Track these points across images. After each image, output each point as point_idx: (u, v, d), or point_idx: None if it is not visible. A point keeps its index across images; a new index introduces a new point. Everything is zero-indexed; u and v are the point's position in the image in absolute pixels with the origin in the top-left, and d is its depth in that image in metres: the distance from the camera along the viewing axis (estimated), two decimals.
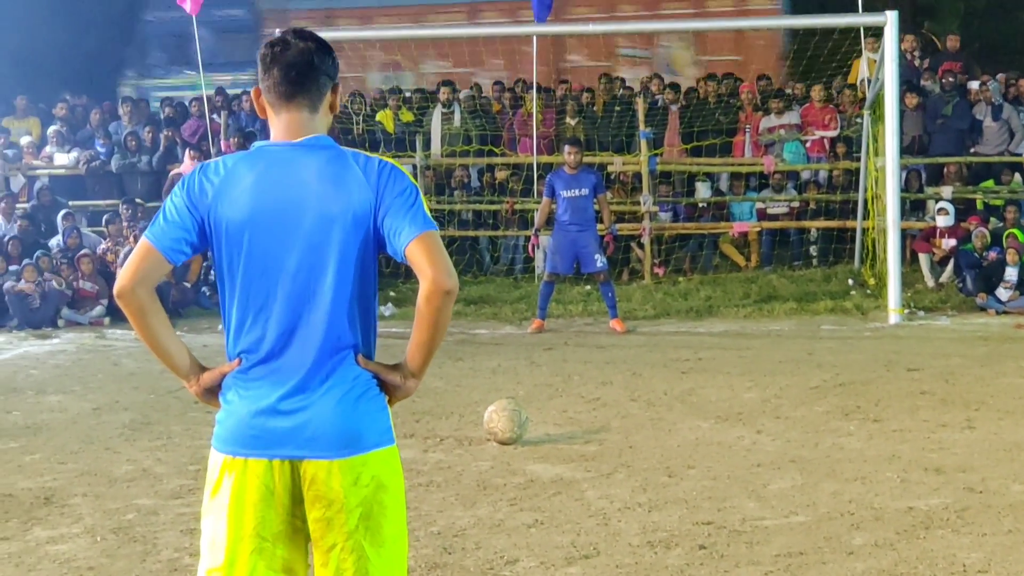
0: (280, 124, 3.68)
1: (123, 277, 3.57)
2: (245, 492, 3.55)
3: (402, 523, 3.67)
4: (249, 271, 3.58)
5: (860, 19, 16.37)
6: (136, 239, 16.15)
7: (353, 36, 16.84)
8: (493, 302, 16.19)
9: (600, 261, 14.04)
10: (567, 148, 14.39)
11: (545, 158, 18.63)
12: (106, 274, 16.25)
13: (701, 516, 6.74)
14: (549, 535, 6.47)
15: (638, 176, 18.06)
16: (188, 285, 16.58)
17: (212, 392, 3.69)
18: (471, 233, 18.83)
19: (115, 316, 16.07)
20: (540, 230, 14.84)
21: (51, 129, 20.13)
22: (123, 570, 6.02)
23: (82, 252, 16.52)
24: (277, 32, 3.89)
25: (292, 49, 3.63)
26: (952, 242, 16.21)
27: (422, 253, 3.52)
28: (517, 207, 18.40)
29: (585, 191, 14.05)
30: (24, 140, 19.91)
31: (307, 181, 3.59)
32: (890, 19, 14.40)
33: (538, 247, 15.50)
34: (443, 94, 19.47)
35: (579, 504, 7.05)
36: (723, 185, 19.20)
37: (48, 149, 19.93)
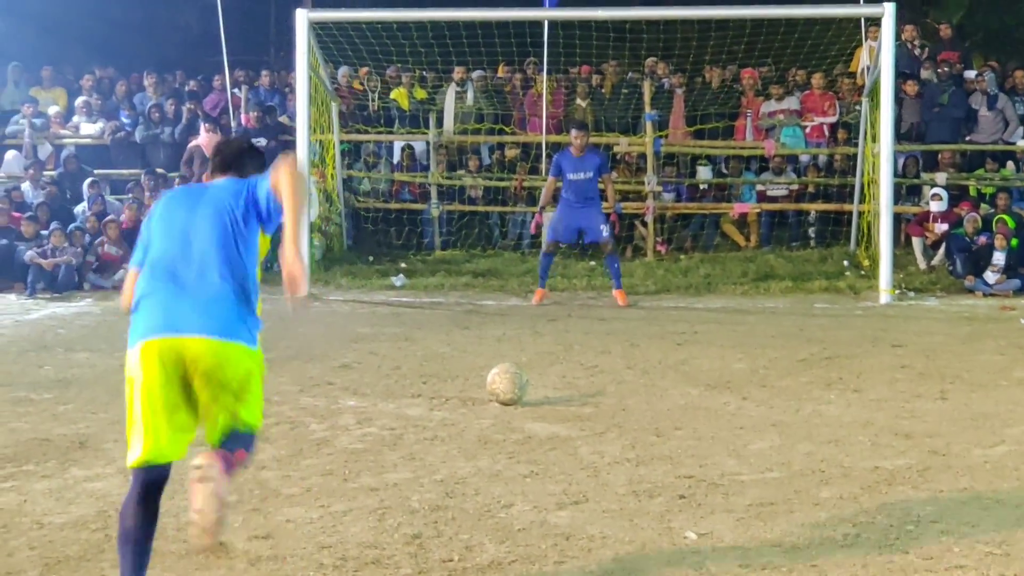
0: None
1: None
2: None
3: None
4: None
5: (859, 10, 16.83)
6: None
7: (363, 17, 17.30)
8: (500, 275, 16.75)
9: (605, 230, 14.61)
10: (573, 132, 14.96)
11: (554, 137, 19.16)
12: (131, 239, 16.82)
13: (684, 471, 7.28)
14: (543, 484, 7.03)
15: (643, 157, 18.60)
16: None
17: None
18: (481, 208, 19.38)
19: None
20: (545, 208, 15.39)
21: (79, 100, 20.71)
22: None
23: (109, 218, 17.14)
24: None
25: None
26: (944, 226, 16.74)
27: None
28: (526, 184, 18.95)
29: (590, 174, 14.64)
30: (52, 110, 20.51)
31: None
32: (888, 10, 14.90)
33: (542, 225, 16.05)
34: (457, 73, 19.99)
35: (572, 458, 7.61)
36: (724, 167, 19.73)
37: (75, 119, 20.53)
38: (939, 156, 18.58)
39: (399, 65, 20.08)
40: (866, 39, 19.00)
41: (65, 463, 7.47)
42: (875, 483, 7.00)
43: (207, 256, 4.97)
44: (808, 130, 19.19)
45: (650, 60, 20.17)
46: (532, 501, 6.70)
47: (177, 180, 18.48)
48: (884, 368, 10.56)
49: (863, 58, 19.29)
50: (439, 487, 6.95)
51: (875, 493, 6.81)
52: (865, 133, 17.65)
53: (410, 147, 19.77)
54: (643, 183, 18.25)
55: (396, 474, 7.23)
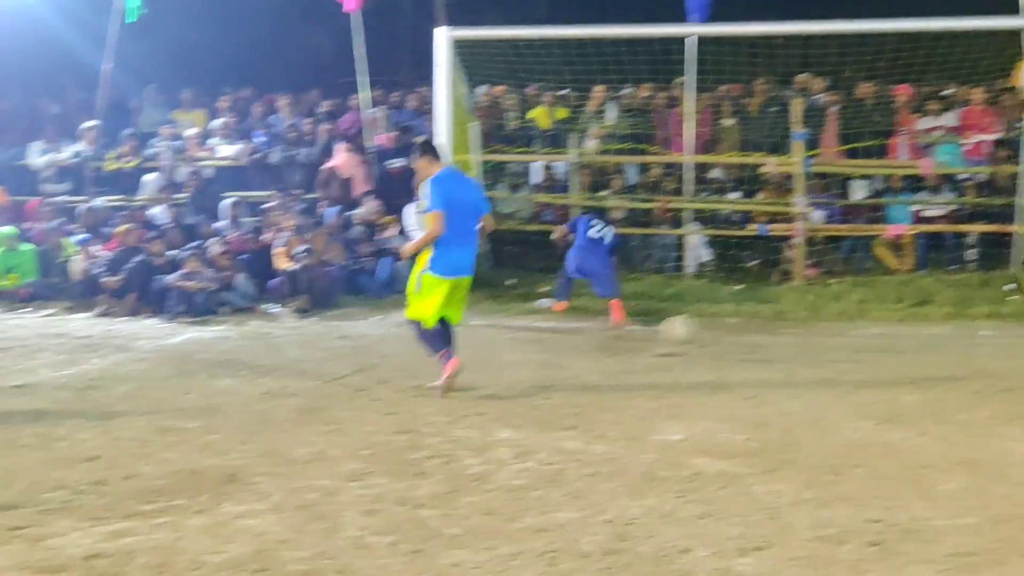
0: None
1: None
2: None
3: None
4: None
5: (1019, 21, 16.09)
6: (294, 228, 16.64)
7: (506, 34, 17.04)
8: (645, 298, 16.29)
9: (613, 291, 15.11)
10: None
11: (700, 157, 18.62)
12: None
13: (870, 514, 6.78)
14: (719, 526, 6.58)
15: (790, 177, 17.98)
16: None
17: None
18: (624, 231, 18.88)
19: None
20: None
21: (216, 121, 20.68)
22: (312, 545, 6.27)
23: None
24: None
25: None
26: None
27: None
28: (671, 206, 18.46)
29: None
30: (189, 132, 20.49)
31: None
32: None
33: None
34: (599, 91, 19.55)
35: (746, 498, 7.15)
36: (878, 186, 19.00)
37: (213, 140, 20.48)
38: None
39: (540, 83, 19.71)
40: None
41: (217, 497, 7.17)
42: None
43: (473, 227, 10.27)
44: (968, 148, 18.39)
45: (802, 76, 19.50)
46: (711, 546, 6.26)
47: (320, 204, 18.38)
48: None
49: None
50: (609, 529, 6.53)
51: None
52: None
53: (548, 167, 19.38)
54: (790, 204, 17.63)
55: (562, 514, 6.81)
